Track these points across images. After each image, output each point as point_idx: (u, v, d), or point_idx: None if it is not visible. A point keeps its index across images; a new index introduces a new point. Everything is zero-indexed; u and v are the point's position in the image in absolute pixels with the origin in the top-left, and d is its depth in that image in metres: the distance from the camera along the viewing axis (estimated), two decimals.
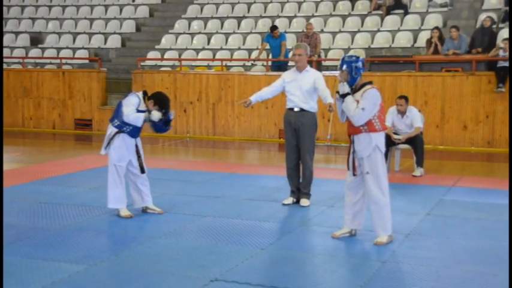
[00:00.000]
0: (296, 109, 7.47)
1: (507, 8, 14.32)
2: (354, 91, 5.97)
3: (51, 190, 8.38)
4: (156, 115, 6.79)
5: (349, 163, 6.05)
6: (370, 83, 5.99)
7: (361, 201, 6.12)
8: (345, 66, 5.91)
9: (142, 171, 7.00)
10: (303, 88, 7.40)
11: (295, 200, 7.66)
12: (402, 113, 9.85)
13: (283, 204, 7.61)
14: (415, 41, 15.67)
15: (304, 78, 7.42)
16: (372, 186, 5.91)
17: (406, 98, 9.91)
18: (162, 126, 6.99)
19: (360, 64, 5.92)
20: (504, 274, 5.03)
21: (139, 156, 6.99)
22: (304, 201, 7.57)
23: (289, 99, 7.56)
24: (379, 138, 5.96)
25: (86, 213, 7.15)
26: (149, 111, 6.82)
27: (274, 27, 14.70)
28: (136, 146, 7.00)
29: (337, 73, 6.11)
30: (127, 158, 6.94)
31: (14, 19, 21.34)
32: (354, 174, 6.02)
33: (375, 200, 5.94)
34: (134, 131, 6.93)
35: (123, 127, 6.88)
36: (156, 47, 18.12)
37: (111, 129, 6.94)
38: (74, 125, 16.13)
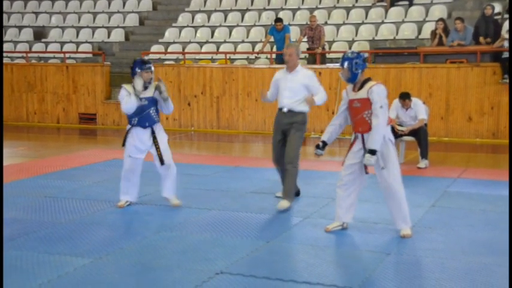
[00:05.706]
0: (285, 110, 7.21)
1: None
2: (356, 88, 5.97)
3: (56, 184, 8.41)
4: (138, 84, 6.87)
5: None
6: (370, 79, 5.98)
7: (354, 194, 6.13)
8: (345, 63, 5.90)
9: (162, 162, 7.03)
10: (292, 89, 7.14)
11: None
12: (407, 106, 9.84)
13: (276, 197, 7.51)
14: (419, 32, 15.62)
15: (294, 78, 7.15)
16: (390, 180, 5.89)
17: (409, 97, 9.82)
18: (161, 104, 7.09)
19: (360, 60, 5.90)
20: None
21: (157, 148, 7.02)
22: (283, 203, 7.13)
23: (278, 99, 7.32)
24: (388, 131, 5.97)
25: (91, 207, 7.17)
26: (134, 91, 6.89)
27: (278, 20, 14.69)
28: (155, 137, 7.03)
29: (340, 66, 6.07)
30: (143, 149, 7.06)
31: (17, 13, 21.35)
32: (367, 173, 6.02)
33: (393, 193, 5.90)
34: (142, 120, 6.98)
35: (131, 120, 7.06)
36: (160, 40, 18.12)
37: (127, 126, 7.15)
38: (78, 119, 16.16)
